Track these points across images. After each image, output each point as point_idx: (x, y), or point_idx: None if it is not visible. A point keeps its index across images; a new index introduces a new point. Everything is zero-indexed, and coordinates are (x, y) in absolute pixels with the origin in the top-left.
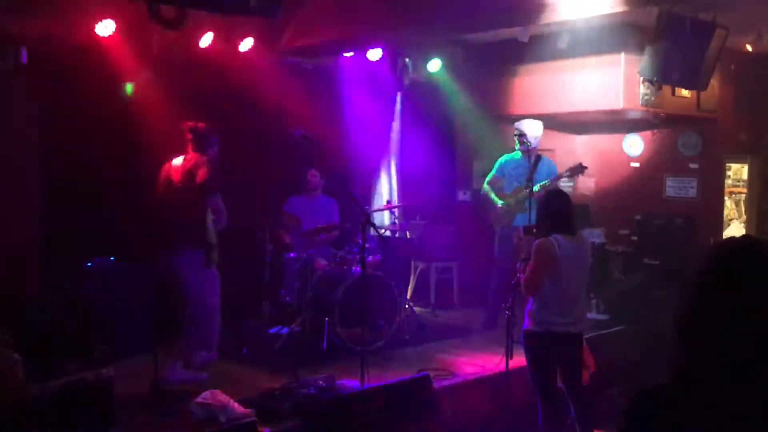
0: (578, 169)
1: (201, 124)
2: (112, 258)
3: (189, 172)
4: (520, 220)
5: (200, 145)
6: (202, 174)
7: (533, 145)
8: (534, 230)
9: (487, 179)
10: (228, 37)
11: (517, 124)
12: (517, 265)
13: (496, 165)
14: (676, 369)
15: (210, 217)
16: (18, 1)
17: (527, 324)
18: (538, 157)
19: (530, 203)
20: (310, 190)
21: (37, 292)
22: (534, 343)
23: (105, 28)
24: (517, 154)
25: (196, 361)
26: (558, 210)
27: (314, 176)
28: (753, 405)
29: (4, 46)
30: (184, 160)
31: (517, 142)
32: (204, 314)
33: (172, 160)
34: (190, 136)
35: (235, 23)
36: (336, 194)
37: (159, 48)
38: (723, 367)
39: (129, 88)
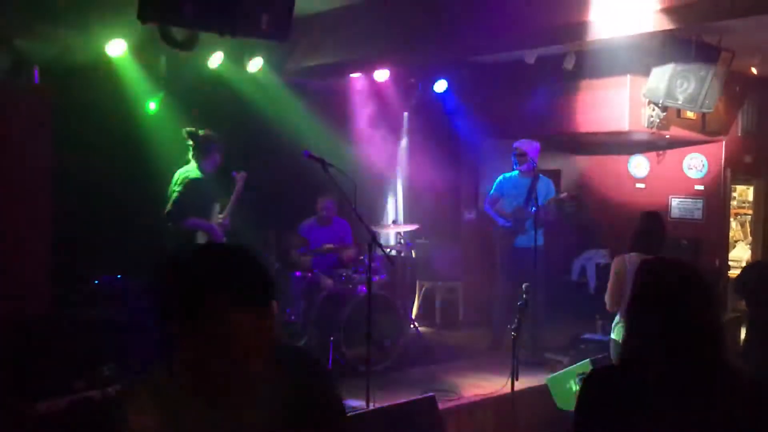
0: (576, 197)
1: (201, 131)
2: (119, 276)
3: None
4: (521, 241)
5: (200, 153)
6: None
7: (533, 165)
8: None
9: (486, 199)
10: (237, 58)
11: (516, 143)
12: (523, 286)
13: (495, 185)
14: (624, 354)
15: (202, 233)
16: (30, 21)
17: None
18: (537, 177)
19: (533, 223)
20: (324, 220)
21: (45, 309)
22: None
23: (116, 48)
24: (515, 174)
25: None
26: (640, 230)
27: (327, 208)
28: (679, 380)
29: (17, 66)
30: (178, 175)
31: (516, 161)
32: None
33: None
34: (190, 142)
35: (244, 44)
36: (344, 214)
37: (169, 68)
38: (658, 353)
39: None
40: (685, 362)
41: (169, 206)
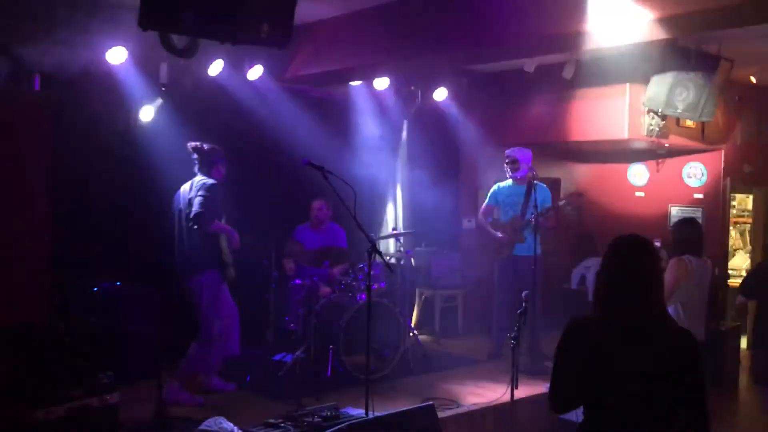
0: (576, 197)
1: (205, 145)
2: (118, 283)
3: (190, 202)
4: (520, 250)
5: (205, 165)
6: (195, 206)
7: (525, 172)
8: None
9: (481, 210)
10: (237, 65)
11: (508, 151)
12: (523, 294)
13: (490, 194)
14: (595, 308)
15: (223, 237)
16: (32, 28)
17: None
18: (532, 185)
19: (531, 231)
20: (317, 222)
21: (43, 317)
22: None
23: (116, 55)
24: (509, 182)
25: (206, 383)
26: (690, 236)
27: (321, 209)
28: (632, 331)
29: (17, 73)
30: (191, 186)
31: (508, 169)
32: (207, 336)
33: (182, 186)
34: (195, 156)
35: (244, 51)
36: (343, 222)
37: (169, 75)
38: (616, 301)
39: None
40: (632, 309)
41: (197, 209)
